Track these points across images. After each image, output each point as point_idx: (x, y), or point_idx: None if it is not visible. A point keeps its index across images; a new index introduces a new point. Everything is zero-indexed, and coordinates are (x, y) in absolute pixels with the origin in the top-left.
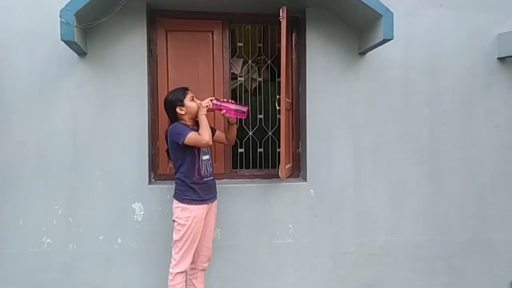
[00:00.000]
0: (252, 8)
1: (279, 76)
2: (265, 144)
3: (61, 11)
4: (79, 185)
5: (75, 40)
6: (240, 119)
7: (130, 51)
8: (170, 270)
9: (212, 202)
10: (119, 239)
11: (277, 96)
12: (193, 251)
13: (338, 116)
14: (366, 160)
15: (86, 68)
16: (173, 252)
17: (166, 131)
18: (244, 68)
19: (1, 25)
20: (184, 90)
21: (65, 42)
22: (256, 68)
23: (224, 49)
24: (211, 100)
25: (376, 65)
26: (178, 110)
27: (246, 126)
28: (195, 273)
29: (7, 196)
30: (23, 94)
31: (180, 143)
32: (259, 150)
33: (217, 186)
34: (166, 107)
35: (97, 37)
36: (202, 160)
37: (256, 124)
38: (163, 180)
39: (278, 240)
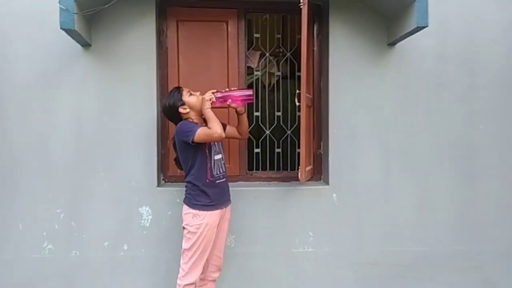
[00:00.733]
0: None
1: (299, 70)
2: (284, 144)
3: None
4: (82, 187)
5: (75, 28)
6: (256, 122)
7: (138, 42)
8: (178, 281)
9: (225, 207)
10: (125, 245)
11: (297, 91)
12: (203, 261)
13: (363, 113)
14: (394, 162)
15: (91, 61)
16: (181, 261)
17: (173, 138)
18: (261, 61)
19: (0, 14)
20: (178, 89)
21: (65, 31)
22: (275, 62)
23: (239, 41)
24: (213, 93)
25: (406, 57)
26: (181, 110)
27: (263, 124)
28: (204, 284)
29: (5, 198)
30: (23, 88)
31: (190, 141)
32: (277, 150)
33: (231, 189)
34: (168, 113)
35: (102, 27)
36: (214, 159)
37: (274, 123)
38: (173, 182)
39: (297, 249)
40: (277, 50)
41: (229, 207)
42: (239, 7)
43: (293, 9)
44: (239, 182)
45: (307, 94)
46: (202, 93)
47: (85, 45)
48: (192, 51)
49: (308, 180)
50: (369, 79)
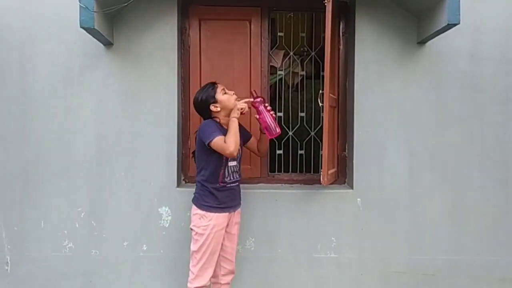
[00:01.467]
0: None
1: (324, 70)
2: (307, 145)
3: None
4: (103, 186)
5: (95, 27)
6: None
7: (159, 41)
8: (188, 285)
9: (234, 211)
10: (144, 246)
11: (320, 91)
12: (213, 264)
13: (391, 115)
14: (423, 166)
15: (112, 60)
16: (190, 264)
17: (196, 131)
18: (285, 60)
19: (24, 14)
20: (213, 85)
21: (85, 29)
22: (299, 61)
23: (262, 40)
24: (254, 98)
25: (437, 56)
26: (212, 108)
27: (286, 125)
28: (218, 287)
29: (27, 196)
30: (46, 87)
31: (206, 143)
32: (299, 152)
33: (251, 191)
34: (198, 108)
35: (124, 26)
36: (228, 166)
37: (297, 123)
38: (193, 182)
39: (319, 254)
40: (302, 49)
41: (238, 210)
42: (263, 5)
43: (318, 6)
44: (260, 184)
45: (331, 95)
46: (240, 97)
47: (107, 44)
48: (214, 50)
49: (332, 184)
50: (397, 79)
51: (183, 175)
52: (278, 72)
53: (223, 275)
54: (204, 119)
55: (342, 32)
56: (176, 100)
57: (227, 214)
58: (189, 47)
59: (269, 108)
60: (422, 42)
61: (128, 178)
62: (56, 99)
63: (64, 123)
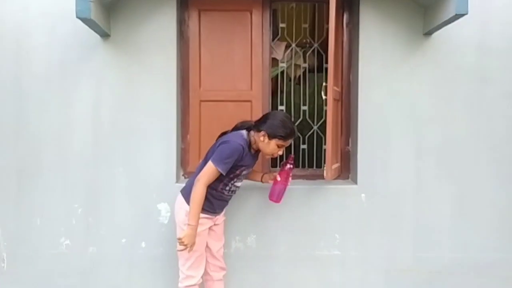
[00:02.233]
0: None
1: (327, 62)
2: (309, 140)
3: None
4: (100, 182)
5: (92, 17)
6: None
7: (158, 32)
8: (179, 285)
9: (220, 214)
10: (143, 243)
11: (324, 84)
12: (203, 262)
13: (396, 108)
14: (429, 161)
15: (110, 52)
16: (179, 263)
17: (225, 132)
18: (287, 53)
19: (19, 5)
20: (289, 136)
21: (82, 20)
22: (301, 53)
23: (264, 31)
24: (287, 164)
25: (444, 47)
26: (261, 134)
27: None
28: (211, 285)
29: (23, 192)
30: (42, 80)
31: (211, 159)
32: (302, 146)
33: (253, 186)
34: (265, 117)
35: (121, 17)
36: (233, 185)
37: (300, 117)
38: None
39: (322, 252)
40: (304, 41)
41: (224, 211)
42: None
43: None
44: None
45: (335, 87)
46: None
47: (104, 35)
48: (214, 41)
49: (335, 179)
50: (402, 72)
51: (182, 171)
52: (280, 65)
53: (213, 271)
54: (248, 127)
55: (346, 23)
56: (175, 93)
57: (213, 217)
58: (188, 39)
59: (290, 179)
60: (428, 34)
61: (126, 174)
62: (52, 92)
63: (60, 117)
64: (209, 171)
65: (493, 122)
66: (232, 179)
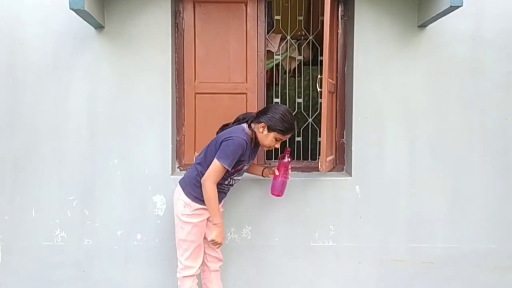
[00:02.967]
0: None
1: (322, 54)
2: (304, 132)
3: None
4: (95, 174)
5: (85, 8)
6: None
7: (152, 24)
8: (177, 274)
9: (219, 204)
10: (139, 235)
11: (319, 76)
12: (201, 253)
13: (390, 100)
14: (423, 153)
15: (104, 44)
16: (177, 254)
17: (226, 125)
18: (282, 45)
19: None
20: (288, 131)
21: (75, 11)
22: (296, 46)
23: (259, 23)
24: (284, 158)
25: (438, 40)
26: (261, 125)
27: None
28: (208, 275)
29: (18, 184)
30: (36, 71)
31: (215, 156)
32: (297, 139)
33: (248, 178)
34: (265, 110)
35: (115, 9)
36: (233, 179)
37: (295, 110)
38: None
39: (317, 243)
40: (299, 33)
41: (222, 203)
42: None
43: None
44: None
45: (330, 80)
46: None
47: (98, 27)
48: (209, 33)
49: (330, 171)
50: (397, 64)
51: (178, 163)
52: (275, 57)
53: (210, 262)
54: (255, 116)
55: (341, 16)
56: (170, 86)
57: None
58: (183, 31)
59: (289, 172)
60: (423, 26)
61: (121, 166)
62: (46, 84)
63: (54, 109)
64: (216, 168)
65: (486, 114)
66: (233, 174)
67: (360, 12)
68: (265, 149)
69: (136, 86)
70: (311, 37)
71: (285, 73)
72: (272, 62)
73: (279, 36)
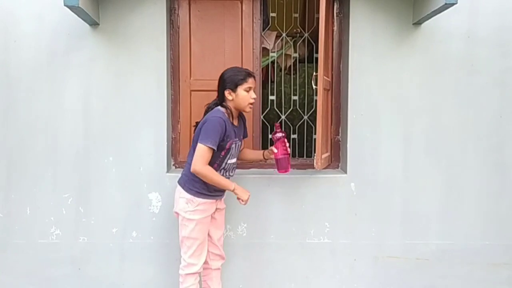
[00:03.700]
0: None
1: (317, 52)
2: (300, 129)
3: None
4: (90, 172)
5: (79, 5)
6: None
7: (147, 22)
8: (180, 271)
9: (221, 199)
10: (134, 232)
11: (314, 74)
12: (205, 250)
13: (386, 97)
14: (418, 150)
15: (99, 41)
16: (181, 251)
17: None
18: (278, 42)
19: None
20: (246, 76)
21: (70, 8)
22: (292, 43)
23: (254, 20)
24: (276, 133)
25: (433, 37)
26: (226, 93)
27: (278, 109)
28: (209, 273)
29: (12, 181)
30: (30, 69)
31: (202, 143)
32: (292, 136)
33: (243, 176)
34: (218, 84)
35: (111, 5)
36: (226, 163)
37: (290, 107)
38: (183, 168)
39: (313, 240)
40: (295, 30)
41: (223, 198)
42: None
43: None
44: (252, 169)
45: (325, 77)
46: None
47: (93, 24)
48: (204, 31)
49: (325, 168)
50: (392, 61)
51: (173, 160)
52: (271, 54)
53: (213, 260)
54: (218, 100)
55: (336, 13)
56: (165, 83)
57: (214, 200)
58: (178, 28)
59: (287, 145)
60: (418, 23)
61: (116, 163)
62: (41, 81)
63: (49, 106)
64: (201, 153)
65: (481, 111)
66: (224, 157)
67: (355, 9)
68: (248, 110)
69: (131, 83)
70: (306, 35)
71: (280, 70)
72: (268, 59)
73: (275, 33)
